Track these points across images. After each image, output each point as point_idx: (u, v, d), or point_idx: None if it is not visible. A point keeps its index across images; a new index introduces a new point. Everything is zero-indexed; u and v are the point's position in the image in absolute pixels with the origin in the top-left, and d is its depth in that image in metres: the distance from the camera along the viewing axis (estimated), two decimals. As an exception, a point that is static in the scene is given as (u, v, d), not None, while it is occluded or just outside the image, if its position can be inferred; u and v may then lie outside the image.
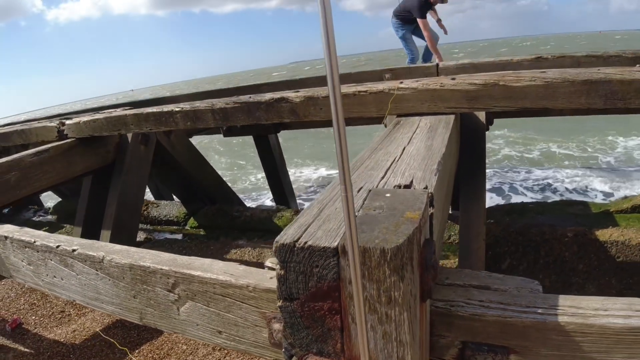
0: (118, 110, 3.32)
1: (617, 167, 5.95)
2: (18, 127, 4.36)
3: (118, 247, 1.43)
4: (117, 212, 3.25)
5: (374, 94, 1.78)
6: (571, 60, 3.39)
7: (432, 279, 0.81)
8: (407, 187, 0.97)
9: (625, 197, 4.11)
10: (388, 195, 0.90)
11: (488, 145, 2.26)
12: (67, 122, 3.44)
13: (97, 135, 3.15)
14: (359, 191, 0.97)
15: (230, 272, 1.11)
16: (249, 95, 2.15)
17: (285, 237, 0.78)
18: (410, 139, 1.36)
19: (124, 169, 3.46)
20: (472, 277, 1.22)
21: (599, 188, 5.03)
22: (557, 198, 4.62)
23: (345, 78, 3.47)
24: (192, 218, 4.15)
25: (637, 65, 2.42)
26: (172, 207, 4.46)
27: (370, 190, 0.94)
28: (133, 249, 1.41)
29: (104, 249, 1.41)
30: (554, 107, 1.78)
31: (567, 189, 5.18)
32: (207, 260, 1.22)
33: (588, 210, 3.18)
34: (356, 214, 0.85)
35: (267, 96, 2.03)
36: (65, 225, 4.87)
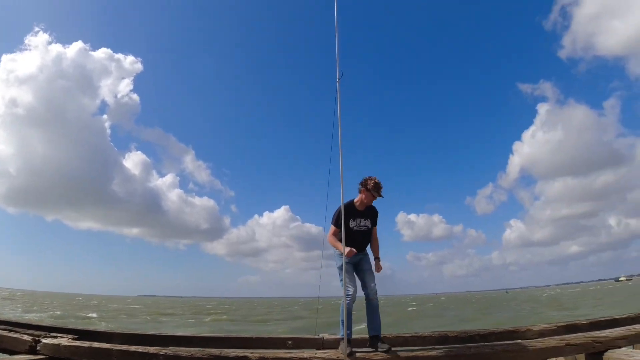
0: (98, 343, 3.74)
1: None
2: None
3: None
4: None
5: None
6: None
7: None
8: None
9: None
10: None
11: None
12: (45, 340, 3.64)
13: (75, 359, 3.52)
14: None
15: None
16: (219, 350, 3.15)
17: None
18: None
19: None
20: None
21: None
22: None
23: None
24: None
25: None
26: None
27: None
28: None
29: None
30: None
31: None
32: None
33: None
34: None
35: (233, 354, 3.09)
36: None
